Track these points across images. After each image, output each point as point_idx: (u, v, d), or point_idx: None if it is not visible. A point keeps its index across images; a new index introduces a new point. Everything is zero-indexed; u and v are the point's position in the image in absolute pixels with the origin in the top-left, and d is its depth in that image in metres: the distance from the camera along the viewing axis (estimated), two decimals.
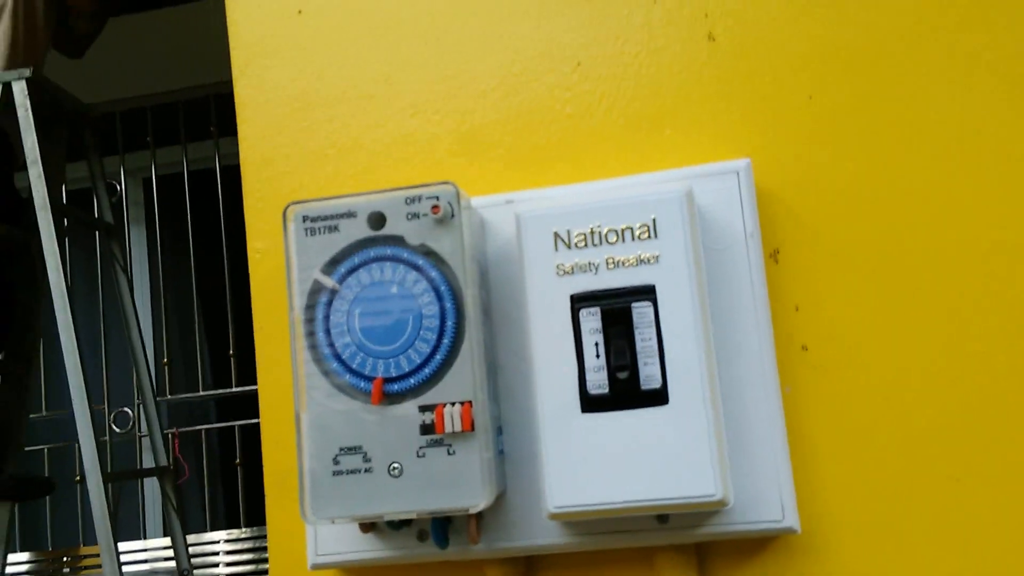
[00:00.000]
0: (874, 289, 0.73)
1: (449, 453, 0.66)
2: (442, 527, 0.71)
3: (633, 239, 0.68)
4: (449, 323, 0.68)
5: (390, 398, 0.67)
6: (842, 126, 0.75)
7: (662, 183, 0.73)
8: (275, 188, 0.82)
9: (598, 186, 0.75)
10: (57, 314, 2.06)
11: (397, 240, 0.69)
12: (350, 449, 0.67)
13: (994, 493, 0.70)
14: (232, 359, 3.02)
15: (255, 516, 2.93)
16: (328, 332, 0.68)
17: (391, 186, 0.75)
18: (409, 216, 0.69)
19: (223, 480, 3.27)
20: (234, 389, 3.05)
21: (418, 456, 0.66)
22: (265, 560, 2.68)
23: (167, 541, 2.77)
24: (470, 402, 0.66)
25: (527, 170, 0.79)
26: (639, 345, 0.67)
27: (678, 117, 0.77)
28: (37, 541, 3.04)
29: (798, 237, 0.75)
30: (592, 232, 0.69)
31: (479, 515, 0.71)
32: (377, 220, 0.69)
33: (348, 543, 0.74)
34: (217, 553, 2.80)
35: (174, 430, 2.93)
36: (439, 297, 0.68)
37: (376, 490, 0.66)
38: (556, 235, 0.69)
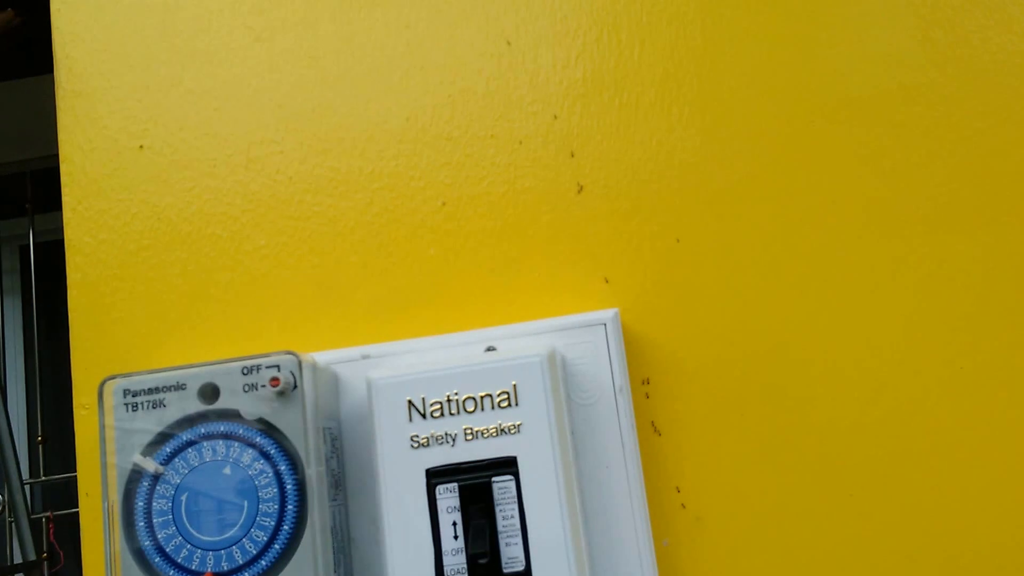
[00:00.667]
0: (746, 432, 0.70)
1: None
2: None
3: (493, 407, 0.63)
4: (289, 507, 0.61)
5: None
6: (709, 267, 0.72)
7: (527, 336, 0.68)
8: (104, 348, 0.75)
9: (459, 338, 0.70)
10: None
11: (232, 415, 0.62)
12: None
13: None
14: None
15: None
16: (150, 523, 0.61)
17: (234, 345, 0.69)
18: (246, 388, 0.62)
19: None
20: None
21: None
22: None
23: None
24: None
25: (385, 319, 0.73)
26: (500, 524, 0.61)
27: (545, 262, 0.73)
28: None
29: (667, 373, 0.72)
30: (449, 400, 0.63)
31: None
32: (210, 393, 0.62)
33: None
34: None
35: (48, 514, 2.75)
36: (278, 477, 0.61)
37: None
38: (410, 403, 0.64)
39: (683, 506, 0.70)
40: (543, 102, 0.74)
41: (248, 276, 0.74)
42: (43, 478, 2.89)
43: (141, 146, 0.75)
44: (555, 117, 0.74)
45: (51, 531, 2.76)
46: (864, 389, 0.69)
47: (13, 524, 2.81)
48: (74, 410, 0.73)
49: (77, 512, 2.74)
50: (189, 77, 0.76)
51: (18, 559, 2.68)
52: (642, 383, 0.71)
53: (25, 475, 2.88)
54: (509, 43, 0.75)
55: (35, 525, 2.63)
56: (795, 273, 0.71)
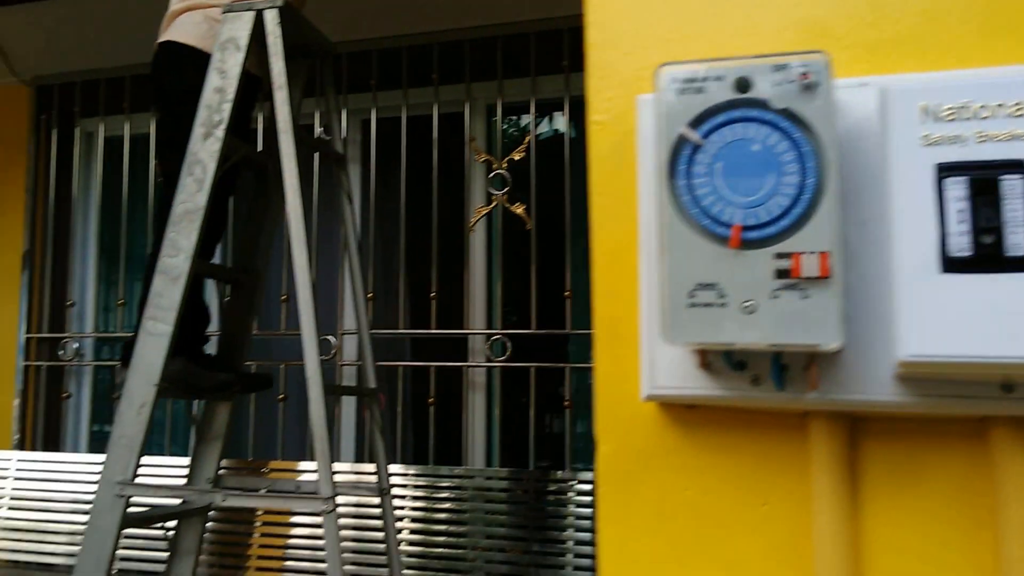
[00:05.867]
0: None
1: (803, 297, 0.72)
2: (781, 370, 0.77)
3: (1006, 116, 0.72)
4: (810, 180, 0.74)
5: (747, 244, 0.74)
6: None
7: None
8: (617, 67, 0.90)
9: (958, 73, 0.79)
10: (292, 233, 2.20)
11: (761, 104, 0.76)
12: (706, 285, 0.74)
13: None
14: (433, 301, 3.16)
15: (444, 455, 3.07)
16: (690, 182, 0.76)
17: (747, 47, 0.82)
18: (775, 83, 0.75)
19: (414, 417, 3.43)
20: (433, 331, 3.18)
21: (772, 297, 0.73)
22: (446, 495, 2.81)
23: (348, 466, 2.94)
24: (828, 252, 0.72)
25: (882, 57, 0.84)
26: (1006, 215, 0.71)
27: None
28: (237, 451, 3.27)
29: None
30: (962, 107, 0.74)
31: (819, 363, 0.77)
32: (743, 84, 0.76)
33: (683, 379, 0.81)
34: (405, 486, 2.95)
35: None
36: (801, 157, 0.74)
37: (729, 322, 0.73)
38: (924, 108, 0.75)
39: None
40: None
41: (745, 22, 0.87)
42: (371, 331, 3.23)
43: None
44: None
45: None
46: None
47: (343, 367, 3.19)
48: (588, 125, 0.90)
49: (395, 366, 3.03)
50: None
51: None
52: None
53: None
54: None
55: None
56: None
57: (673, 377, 0.81)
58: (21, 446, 3.30)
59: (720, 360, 0.79)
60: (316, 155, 3.33)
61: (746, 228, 0.74)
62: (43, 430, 3.33)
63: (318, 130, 3.43)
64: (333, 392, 2.83)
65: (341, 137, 2.70)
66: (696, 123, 0.77)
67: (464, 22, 3.27)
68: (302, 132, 2.50)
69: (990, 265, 0.71)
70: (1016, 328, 0.70)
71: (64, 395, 3.34)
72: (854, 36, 0.85)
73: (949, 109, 0.74)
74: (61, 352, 3.34)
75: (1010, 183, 0.71)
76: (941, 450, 0.79)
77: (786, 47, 0.86)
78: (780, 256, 0.73)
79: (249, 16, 2.25)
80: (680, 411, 0.84)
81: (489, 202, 3.14)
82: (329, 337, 3.26)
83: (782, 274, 0.73)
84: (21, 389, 3.32)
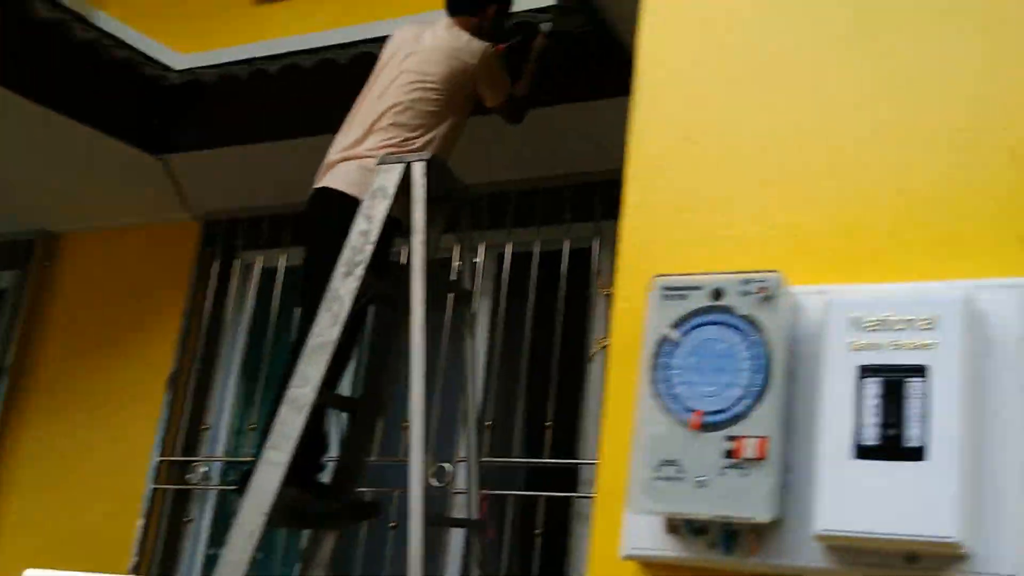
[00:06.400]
0: None
1: (743, 475, 0.90)
2: (730, 537, 0.94)
3: (916, 329, 0.90)
4: (759, 375, 0.92)
5: (705, 427, 0.93)
6: None
7: (952, 289, 0.93)
8: (642, 266, 1.10)
9: (893, 287, 0.97)
10: (412, 367, 2.41)
11: (729, 310, 0.95)
12: (669, 462, 0.93)
13: None
14: (548, 429, 3.30)
15: None
16: (667, 372, 0.96)
17: (728, 264, 1.02)
18: (741, 293, 0.95)
19: (521, 549, 3.53)
20: (546, 459, 3.31)
21: (720, 474, 0.91)
22: None
23: None
24: (766, 438, 0.90)
25: (839, 270, 1.02)
26: (907, 411, 0.88)
27: (977, 235, 0.97)
28: None
29: None
30: (883, 320, 0.91)
31: (759, 532, 0.94)
32: (716, 294, 0.96)
33: (654, 541, 0.99)
34: None
35: (483, 491, 3.19)
36: (754, 356, 0.93)
37: (685, 495, 0.92)
38: (854, 319, 0.93)
39: None
40: None
41: (743, 235, 1.07)
42: (484, 459, 3.38)
43: (686, 137, 1.13)
44: None
45: (484, 507, 3.22)
46: None
47: (455, 495, 3.33)
48: (615, 310, 1.11)
49: (506, 495, 3.18)
50: None
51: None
52: None
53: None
54: None
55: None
56: None
57: (645, 539, 1.00)
58: (137, 569, 3.36)
59: (684, 526, 0.96)
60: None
61: (706, 414, 0.93)
62: (161, 554, 3.39)
63: (456, 263, 3.63)
64: (435, 523, 2.92)
65: (472, 274, 2.94)
66: (677, 324, 0.97)
67: (595, 166, 3.48)
68: (436, 268, 2.74)
69: (892, 453, 0.87)
70: (912, 508, 0.86)
71: (186, 519, 3.43)
72: (827, 247, 1.04)
73: (872, 320, 0.92)
74: (190, 475, 3.43)
75: (913, 385, 0.88)
76: None
77: (768, 254, 1.05)
78: (729, 439, 0.91)
79: (399, 168, 2.52)
80: (659, 569, 1.02)
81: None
82: (445, 465, 3.38)
83: (729, 454, 0.91)
84: (146, 511, 3.39)
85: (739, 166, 1.11)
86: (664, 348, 0.97)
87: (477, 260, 3.63)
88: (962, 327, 0.89)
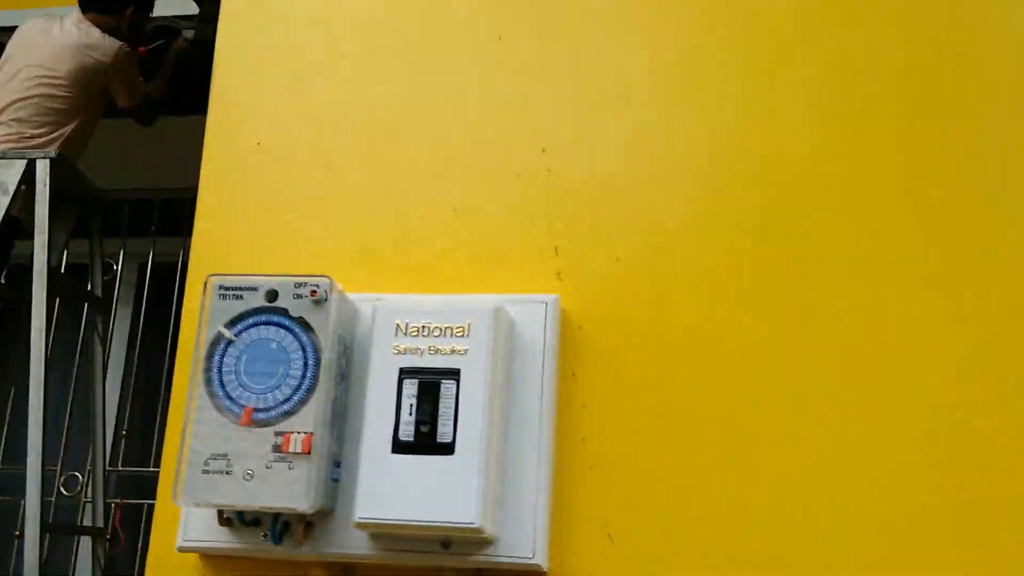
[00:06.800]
0: (646, 400, 1.02)
1: (290, 468, 0.93)
2: (279, 528, 0.98)
3: (452, 335, 0.97)
4: (308, 376, 0.96)
5: (255, 423, 0.95)
6: (641, 277, 1.05)
7: (485, 301, 1.02)
8: (212, 269, 1.11)
9: (435, 297, 1.05)
10: (32, 373, 2.32)
11: (283, 311, 0.98)
12: (218, 456, 0.94)
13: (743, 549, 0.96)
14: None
15: None
16: (220, 368, 0.97)
17: (294, 268, 1.06)
18: (295, 296, 0.98)
19: None
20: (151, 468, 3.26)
21: (267, 467, 0.93)
22: None
23: None
24: (311, 434, 0.94)
25: (400, 280, 1.09)
26: (441, 410, 0.95)
27: (514, 251, 1.08)
28: None
29: (593, 359, 1.04)
30: (423, 326, 0.98)
31: (308, 523, 0.98)
32: (272, 295, 0.99)
33: (209, 533, 1.00)
34: None
35: (118, 500, 3.14)
36: (305, 357, 0.97)
37: (232, 487, 0.93)
38: (399, 324, 0.99)
39: (584, 440, 1.02)
40: None
41: (309, 249, 1.11)
42: (120, 468, 3.29)
43: (258, 143, 1.15)
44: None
45: (117, 517, 3.14)
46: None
47: (87, 504, 3.21)
48: (185, 306, 1.11)
49: (142, 504, 3.19)
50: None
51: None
52: (571, 375, 1.03)
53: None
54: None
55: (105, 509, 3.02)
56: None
57: (201, 532, 1.00)
58: None
59: (236, 518, 0.98)
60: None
61: (256, 410, 0.95)
62: None
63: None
64: (53, 531, 2.85)
65: (108, 279, 2.82)
66: (231, 323, 0.98)
67: None
68: (62, 276, 2.61)
69: (426, 449, 0.94)
70: (442, 498, 0.92)
71: None
72: (385, 258, 1.10)
73: (415, 327, 0.98)
74: None
75: (447, 386, 0.96)
76: None
77: (332, 261, 1.10)
78: (277, 434, 0.94)
79: (21, 164, 2.38)
80: (217, 560, 1.03)
81: None
82: (76, 473, 3.28)
83: (277, 449, 0.94)
84: None
85: (308, 175, 1.15)
86: (218, 347, 0.98)
87: (116, 268, 3.51)
88: (492, 336, 0.97)
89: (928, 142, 1.07)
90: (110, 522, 3.08)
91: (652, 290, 1.07)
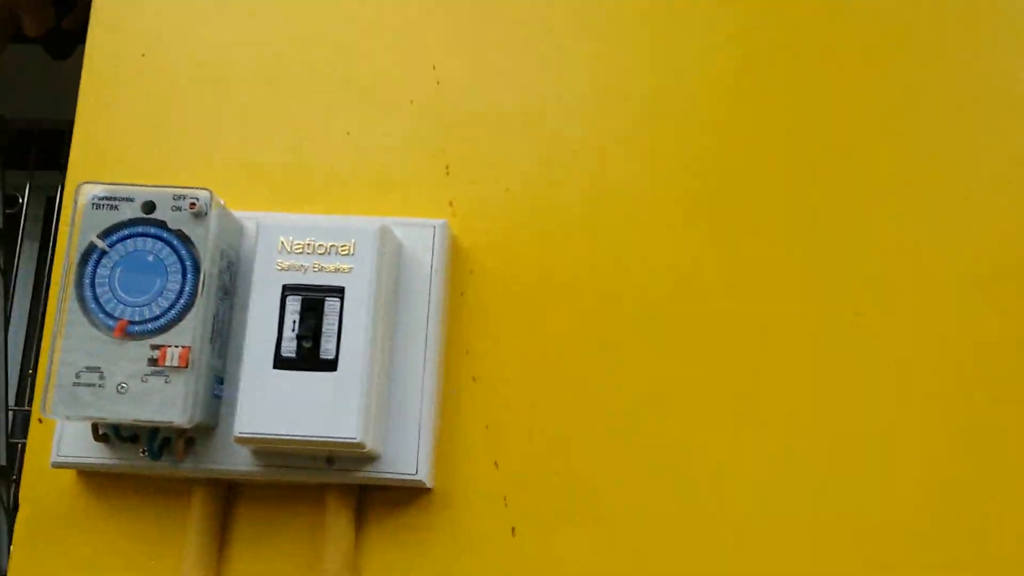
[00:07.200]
0: (532, 320, 1.02)
1: (166, 382, 0.91)
2: (156, 443, 0.95)
3: (336, 254, 0.95)
4: (187, 289, 0.93)
5: (130, 336, 0.92)
6: (530, 207, 1.05)
7: (371, 222, 1.00)
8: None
9: (322, 217, 1.03)
10: None
11: (161, 223, 0.95)
12: (91, 368, 0.91)
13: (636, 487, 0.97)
14: None
15: None
16: (93, 280, 0.94)
17: (174, 179, 1.03)
18: (174, 208, 0.95)
19: None
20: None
21: (142, 381, 0.91)
22: None
23: None
24: (189, 347, 0.91)
25: (289, 200, 1.06)
26: (324, 327, 0.93)
27: (406, 183, 1.06)
28: None
29: (483, 281, 1.04)
30: (308, 244, 0.96)
31: (190, 440, 0.96)
32: (148, 207, 0.95)
33: (84, 449, 0.97)
34: None
35: (24, 440, 3.06)
36: (184, 270, 0.94)
37: (105, 401, 0.90)
38: (283, 242, 0.96)
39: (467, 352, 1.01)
40: None
41: (202, 167, 1.08)
42: (27, 407, 3.21)
43: (143, 55, 1.10)
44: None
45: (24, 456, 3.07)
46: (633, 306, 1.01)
47: None
48: (59, 225, 1.06)
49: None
50: None
51: None
52: (459, 294, 1.03)
53: (11, 402, 3.17)
54: None
55: (10, 448, 2.94)
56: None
57: (75, 448, 0.97)
58: None
59: (112, 433, 0.96)
60: None
61: (131, 323, 0.92)
62: None
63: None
64: None
65: (13, 212, 2.73)
66: (105, 234, 0.95)
67: None
68: None
69: (309, 365, 0.92)
70: (325, 414, 0.91)
71: None
72: (276, 178, 1.08)
73: (299, 244, 0.96)
74: None
75: (330, 303, 0.94)
76: (294, 510, 0.99)
77: (219, 177, 1.07)
78: (154, 348, 0.92)
79: None
80: (94, 478, 1.00)
81: None
82: None
83: (152, 362, 0.91)
84: None
85: (196, 91, 1.10)
86: (92, 257, 0.95)
87: (22, 201, 3.40)
88: (377, 254, 0.95)
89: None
90: (16, 462, 3.01)
91: (541, 219, 1.06)
